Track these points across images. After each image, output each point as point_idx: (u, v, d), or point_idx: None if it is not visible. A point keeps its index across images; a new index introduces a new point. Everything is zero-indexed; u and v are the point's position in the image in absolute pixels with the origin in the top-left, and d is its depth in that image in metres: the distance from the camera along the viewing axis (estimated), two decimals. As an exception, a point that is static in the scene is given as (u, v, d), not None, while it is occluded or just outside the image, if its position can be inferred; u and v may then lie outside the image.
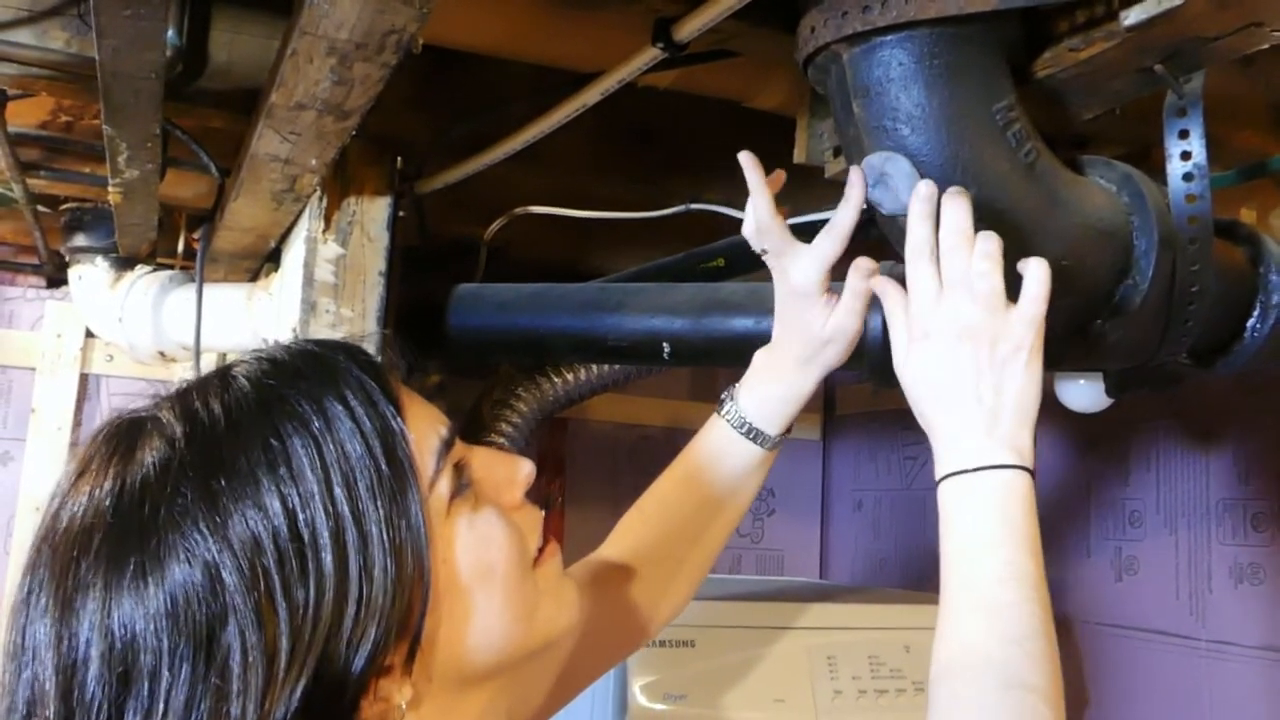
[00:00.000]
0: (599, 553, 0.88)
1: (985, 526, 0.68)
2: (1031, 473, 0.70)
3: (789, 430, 0.89)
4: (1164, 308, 0.89)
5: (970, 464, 0.70)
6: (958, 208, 0.74)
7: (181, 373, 2.05)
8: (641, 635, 0.89)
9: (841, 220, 0.80)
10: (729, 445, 0.88)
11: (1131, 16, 0.75)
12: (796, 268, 0.82)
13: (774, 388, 0.86)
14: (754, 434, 0.87)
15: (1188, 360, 1.00)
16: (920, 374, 0.74)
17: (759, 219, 0.82)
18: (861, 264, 0.81)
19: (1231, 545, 1.56)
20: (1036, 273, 0.73)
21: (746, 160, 0.82)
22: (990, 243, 0.73)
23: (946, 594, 0.68)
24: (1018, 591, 0.66)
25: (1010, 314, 0.72)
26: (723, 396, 0.89)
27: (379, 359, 0.59)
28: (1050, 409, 1.79)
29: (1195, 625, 1.59)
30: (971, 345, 0.71)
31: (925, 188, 0.75)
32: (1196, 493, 1.63)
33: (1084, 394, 1.31)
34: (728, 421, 0.87)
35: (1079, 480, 1.85)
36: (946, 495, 0.71)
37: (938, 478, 0.72)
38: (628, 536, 0.89)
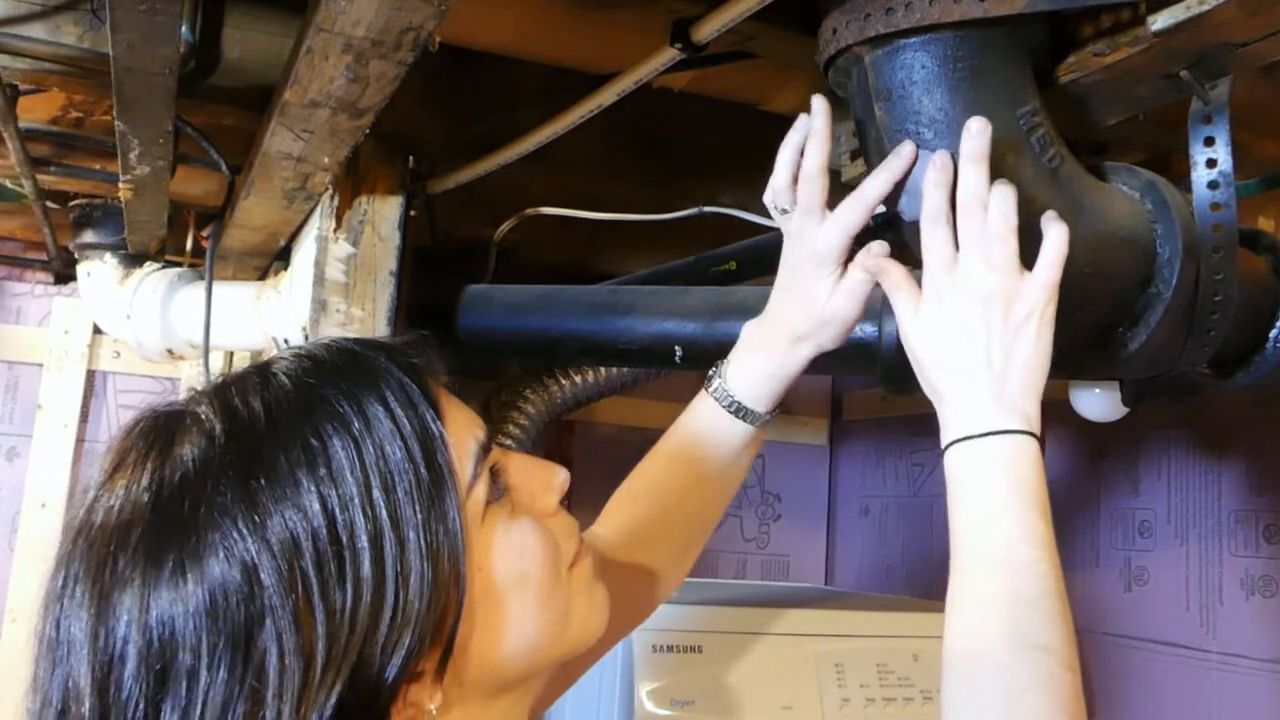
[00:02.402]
0: (590, 531, 0.85)
1: (995, 489, 0.67)
2: (1039, 439, 0.69)
3: (779, 407, 0.87)
4: (1186, 317, 0.88)
5: (978, 429, 0.69)
6: (974, 173, 0.72)
7: (189, 370, 2.04)
8: (637, 615, 0.87)
9: (871, 188, 0.77)
10: (717, 423, 0.85)
11: (1159, 21, 0.74)
12: (820, 231, 0.78)
13: (763, 364, 0.84)
14: (742, 412, 0.84)
15: (1208, 370, 0.99)
16: (930, 338, 0.72)
17: (808, 168, 0.78)
18: (874, 246, 0.78)
19: (1243, 557, 1.55)
20: (1055, 237, 0.72)
21: (819, 104, 0.78)
22: (1006, 205, 0.71)
23: (958, 559, 0.68)
24: (1031, 552, 0.65)
25: (1025, 279, 0.71)
26: (710, 373, 0.87)
27: (418, 360, 0.58)
28: (1060, 416, 1.78)
29: (1205, 637, 1.58)
30: (984, 309, 0.70)
31: (940, 157, 0.74)
32: (1208, 503, 1.62)
33: (1099, 403, 1.29)
34: (715, 399, 0.85)
35: (1088, 489, 1.83)
36: (954, 461, 0.70)
37: (944, 444, 0.71)
38: (619, 515, 0.87)
